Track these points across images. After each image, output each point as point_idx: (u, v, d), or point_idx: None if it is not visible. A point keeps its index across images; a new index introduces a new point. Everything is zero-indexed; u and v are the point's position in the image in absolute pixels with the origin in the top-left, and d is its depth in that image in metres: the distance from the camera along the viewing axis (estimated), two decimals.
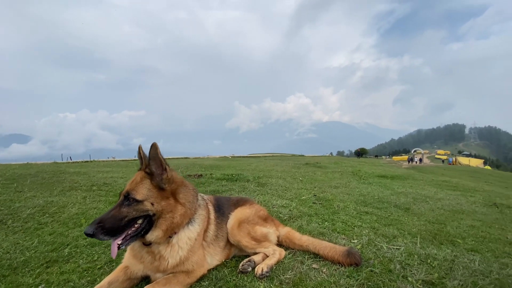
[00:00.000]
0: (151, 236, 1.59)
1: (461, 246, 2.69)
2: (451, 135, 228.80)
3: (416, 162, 47.99)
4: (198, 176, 6.07)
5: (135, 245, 1.67)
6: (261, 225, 2.16)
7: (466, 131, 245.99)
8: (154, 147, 1.57)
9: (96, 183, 4.98)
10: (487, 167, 56.24)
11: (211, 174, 6.50)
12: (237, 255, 2.12)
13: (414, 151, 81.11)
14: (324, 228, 2.90)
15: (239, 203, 2.27)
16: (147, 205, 1.54)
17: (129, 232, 1.51)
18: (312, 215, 3.42)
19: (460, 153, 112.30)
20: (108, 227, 1.43)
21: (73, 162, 10.95)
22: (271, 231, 2.20)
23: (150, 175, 1.59)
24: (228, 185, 5.23)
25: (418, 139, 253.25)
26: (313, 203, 4.15)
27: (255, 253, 2.04)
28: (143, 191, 1.55)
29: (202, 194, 2.08)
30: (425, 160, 50.85)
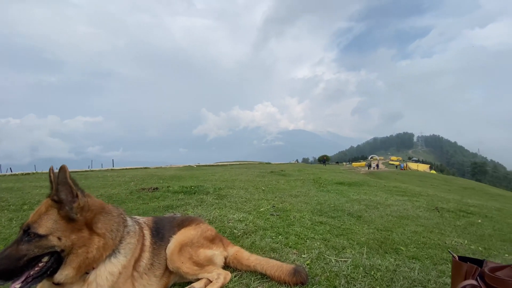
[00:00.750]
0: (60, 275, 1.33)
1: (404, 253, 2.79)
2: (402, 143, 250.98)
3: (374, 168, 51.53)
4: (153, 189, 5.66)
5: (45, 285, 1.38)
6: (207, 247, 1.97)
7: (415, 139, 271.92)
8: (62, 170, 1.31)
9: (29, 201, 4.33)
10: (433, 171, 62.42)
11: (168, 186, 6.13)
12: (178, 283, 1.91)
13: (371, 158, 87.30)
14: (277, 243, 2.81)
15: (183, 223, 2.05)
16: (53, 240, 1.29)
17: (31, 273, 1.26)
18: (267, 229, 3.33)
19: (410, 159, 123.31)
20: (3, 269, 1.19)
21: (10, 175, 9.59)
22: (217, 253, 2.02)
23: (59, 203, 1.34)
24: (184, 199, 4.95)
25: (374, 146, 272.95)
26: (271, 215, 4.08)
27: (198, 279, 1.85)
28: (48, 223, 1.30)
29: (137, 218, 1.84)
30: (381, 166, 54.90)
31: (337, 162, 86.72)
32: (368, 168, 51.56)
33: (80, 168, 15.36)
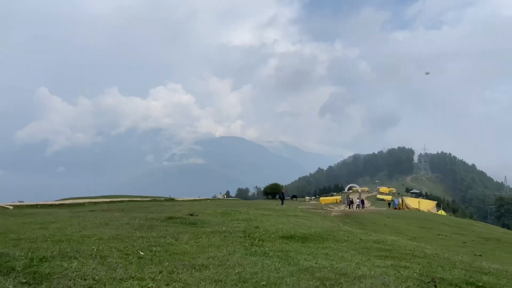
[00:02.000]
0: None
1: None
2: (396, 165, 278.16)
3: (358, 206, 55.56)
4: None
5: None
6: None
7: (415, 158, 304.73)
8: None
9: None
10: (441, 211, 70.57)
11: None
12: None
13: (349, 189, 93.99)
14: None
15: None
16: None
17: None
18: None
19: (408, 191, 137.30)
20: None
21: None
22: None
23: None
24: None
25: (355, 170, 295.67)
26: None
27: None
28: None
29: None
30: (367, 203, 59.40)
31: (294, 196, 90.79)
32: (349, 207, 55.33)
33: None
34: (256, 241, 8.86)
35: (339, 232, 12.58)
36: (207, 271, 5.67)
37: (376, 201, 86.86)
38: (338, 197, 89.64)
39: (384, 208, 60.39)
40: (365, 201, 59.10)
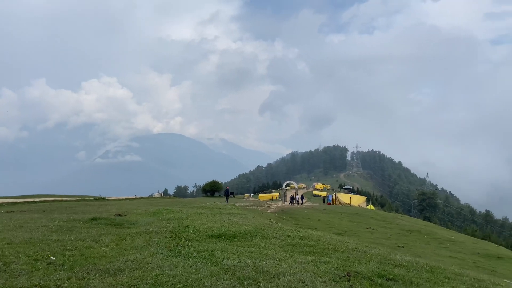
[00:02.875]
0: None
1: None
2: (331, 162, 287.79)
3: (297, 201, 56.84)
4: None
5: None
6: None
7: (348, 156, 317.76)
8: None
9: None
10: (370, 206, 73.93)
11: None
12: None
13: (287, 186, 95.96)
14: None
15: None
16: None
17: None
18: None
19: (341, 187, 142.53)
20: None
21: None
22: None
23: None
24: None
25: (293, 167, 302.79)
26: None
27: None
28: None
29: None
30: (298, 198, 61.05)
31: (231, 194, 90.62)
32: (290, 203, 56.42)
33: None
34: (182, 241, 8.69)
35: (269, 229, 12.72)
36: (121, 276, 5.48)
37: (312, 197, 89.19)
38: (276, 194, 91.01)
39: (319, 204, 62.30)
40: (298, 197, 60.73)
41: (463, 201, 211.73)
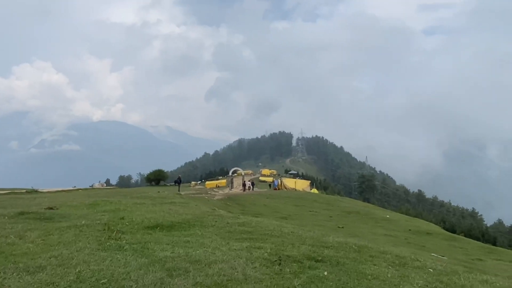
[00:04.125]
0: None
1: None
2: (278, 148, 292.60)
3: (248, 188, 57.26)
4: None
5: None
6: None
7: (294, 142, 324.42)
8: None
9: None
10: (314, 190, 76.06)
11: None
12: None
13: (233, 172, 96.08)
14: None
15: None
16: None
17: None
18: None
19: (287, 172, 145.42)
20: None
21: None
22: None
23: None
24: None
25: (240, 154, 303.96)
26: None
27: None
28: None
29: None
30: (249, 185, 61.76)
31: (175, 182, 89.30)
32: (243, 189, 56.72)
33: None
34: (114, 234, 8.40)
35: (209, 217, 12.68)
36: (41, 274, 5.17)
37: (258, 183, 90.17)
38: (223, 181, 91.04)
39: (265, 190, 63.15)
40: (248, 182, 61.35)
41: (398, 182, 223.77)
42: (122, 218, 10.93)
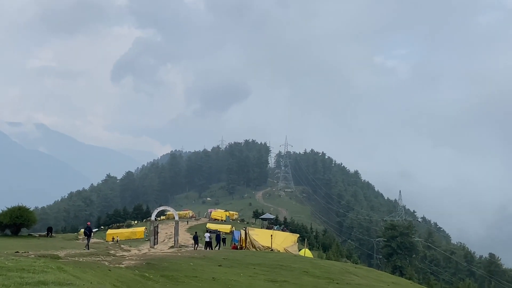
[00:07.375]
0: None
1: None
2: (242, 170, 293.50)
3: (196, 244, 57.47)
4: None
5: None
6: None
7: (271, 160, 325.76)
8: None
9: None
10: (306, 251, 76.14)
11: None
12: None
13: (160, 214, 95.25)
14: None
15: None
16: None
17: None
18: None
19: (257, 216, 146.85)
20: None
21: None
22: None
23: None
24: None
25: (174, 178, 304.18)
26: None
27: None
28: None
29: None
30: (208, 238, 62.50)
31: (49, 230, 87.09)
32: (195, 245, 56.08)
33: None
34: None
35: None
36: None
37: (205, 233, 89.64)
38: (140, 229, 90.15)
39: (217, 247, 62.47)
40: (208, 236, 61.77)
41: (455, 239, 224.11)
42: None
